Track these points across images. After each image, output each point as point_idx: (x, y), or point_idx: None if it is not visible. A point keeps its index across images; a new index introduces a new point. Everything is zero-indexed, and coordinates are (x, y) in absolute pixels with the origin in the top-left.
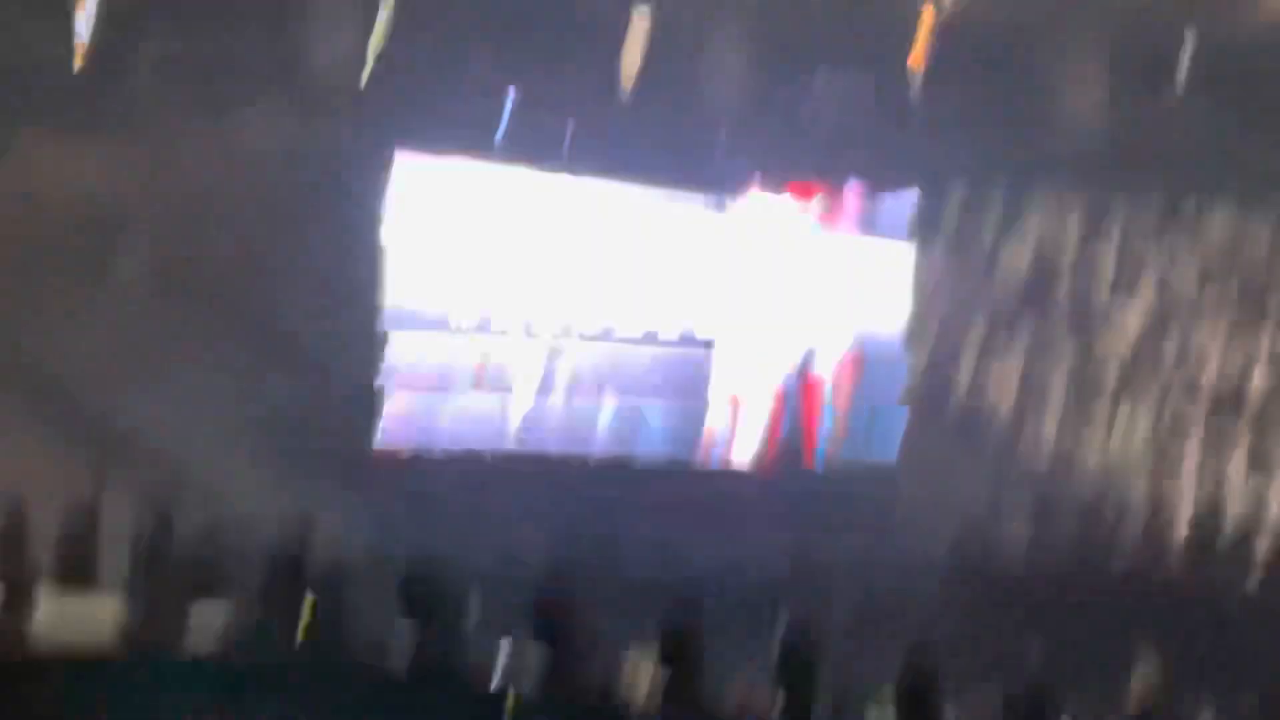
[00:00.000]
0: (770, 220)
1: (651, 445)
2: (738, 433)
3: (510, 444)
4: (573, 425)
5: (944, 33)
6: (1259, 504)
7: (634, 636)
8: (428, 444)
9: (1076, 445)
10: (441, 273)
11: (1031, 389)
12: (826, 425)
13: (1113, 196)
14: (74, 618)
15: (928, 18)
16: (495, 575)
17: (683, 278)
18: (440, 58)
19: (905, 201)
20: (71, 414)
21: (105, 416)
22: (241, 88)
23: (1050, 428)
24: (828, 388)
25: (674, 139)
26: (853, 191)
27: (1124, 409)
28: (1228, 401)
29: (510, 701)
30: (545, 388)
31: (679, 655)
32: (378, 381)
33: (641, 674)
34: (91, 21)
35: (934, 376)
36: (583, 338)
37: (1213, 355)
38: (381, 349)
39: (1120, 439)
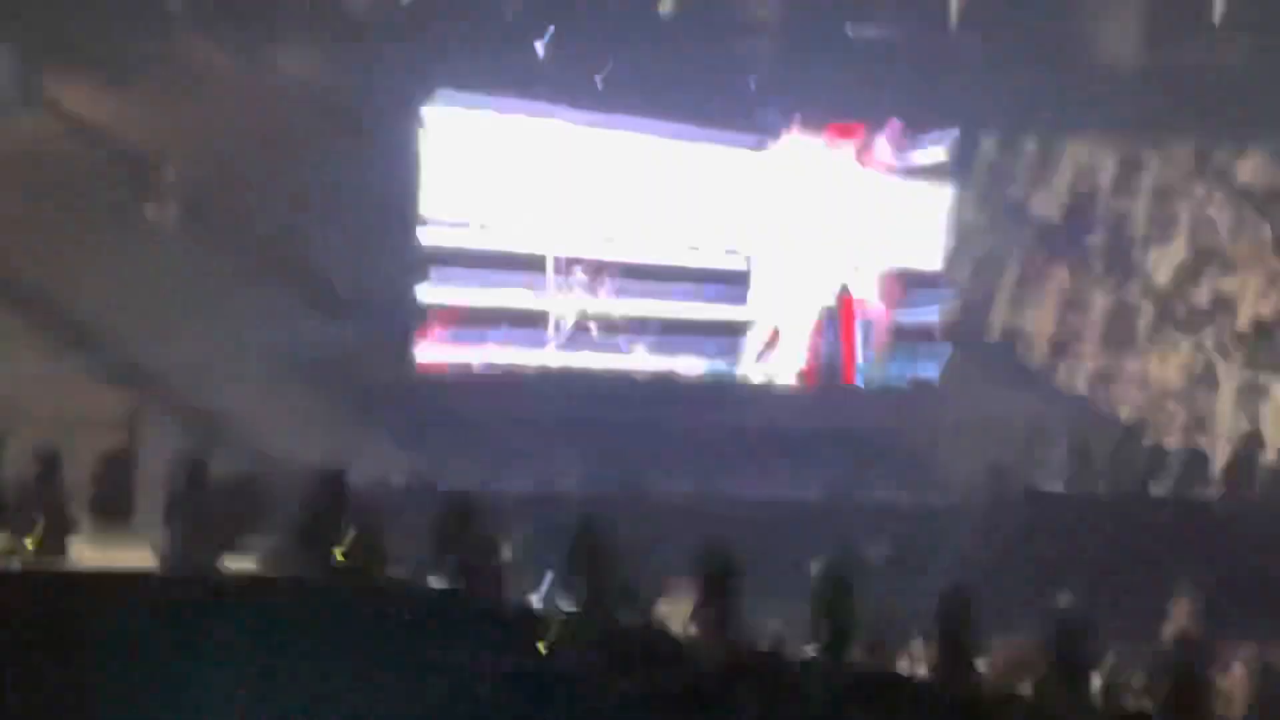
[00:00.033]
0: (809, 160)
1: (692, 366)
2: (778, 352)
3: (551, 364)
4: (613, 347)
5: None
6: None
7: (673, 562)
8: (466, 370)
9: (1113, 379)
10: (478, 210)
11: (1069, 323)
12: (867, 346)
13: (1148, 138)
14: (112, 556)
15: None
16: (535, 498)
17: (723, 211)
18: None
19: (943, 143)
20: (109, 354)
21: (142, 356)
22: (277, 28)
23: (1087, 362)
24: (867, 311)
25: (713, 80)
26: (891, 133)
27: (1161, 343)
28: (1264, 338)
29: (548, 628)
30: (585, 315)
31: (717, 583)
32: (414, 319)
33: (680, 603)
34: None
35: (972, 308)
36: (622, 268)
37: (1248, 294)
38: (418, 287)
39: (1156, 373)
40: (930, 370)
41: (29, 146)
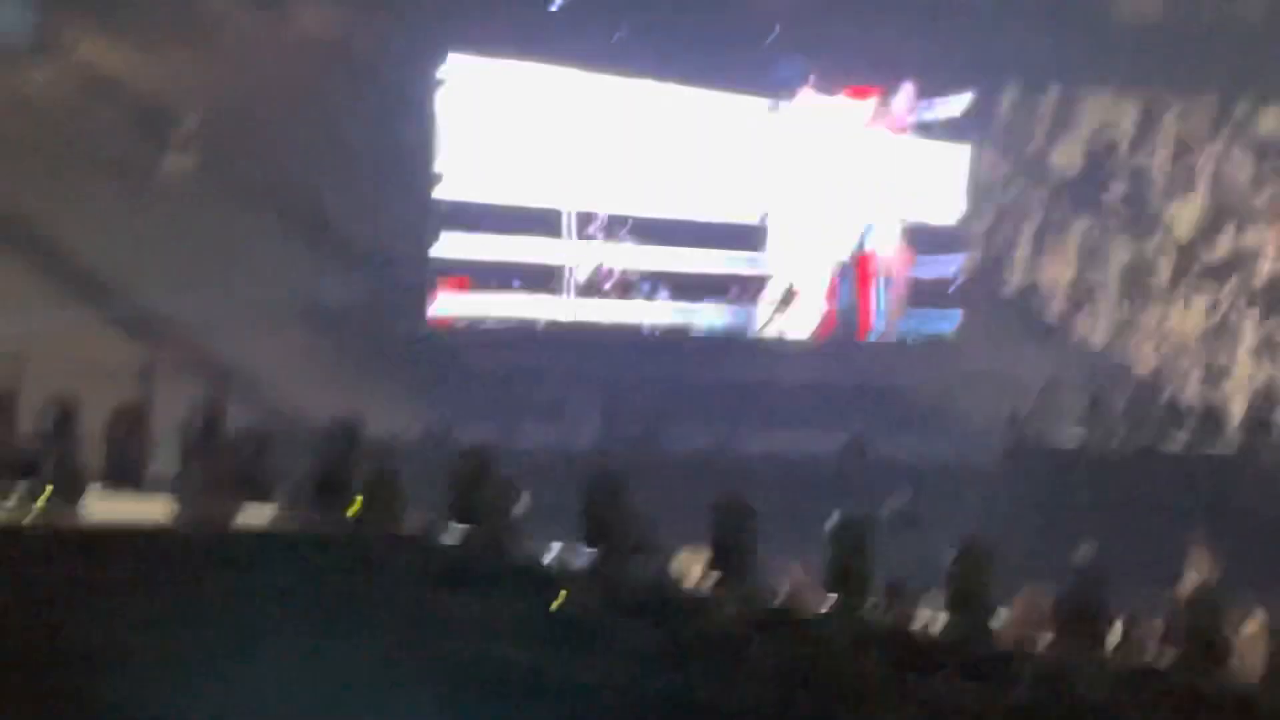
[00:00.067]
0: (827, 116)
1: (708, 320)
2: (795, 306)
3: (566, 319)
4: (627, 301)
5: None
6: None
7: (688, 516)
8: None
9: (1131, 333)
10: (493, 167)
11: (1086, 280)
12: (884, 301)
13: (1168, 91)
14: (125, 510)
15: None
16: (550, 452)
17: (739, 165)
18: None
19: (962, 98)
20: (124, 307)
21: (157, 309)
22: None
23: (1105, 317)
24: (884, 265)
25: (729, 39)
26: (909, 88)
27: (1178, 299)
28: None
29: (562, 583)
30: (600, 270)
31: (732, 537)
32: (430, 273)
33: (693, 561)
34: None
35: (990, 263)
36: (638, 222)
37: (1268, 247)
38: (433, 243)
39: (1175, 328)
40: (947, 325)
41: (46, 97)
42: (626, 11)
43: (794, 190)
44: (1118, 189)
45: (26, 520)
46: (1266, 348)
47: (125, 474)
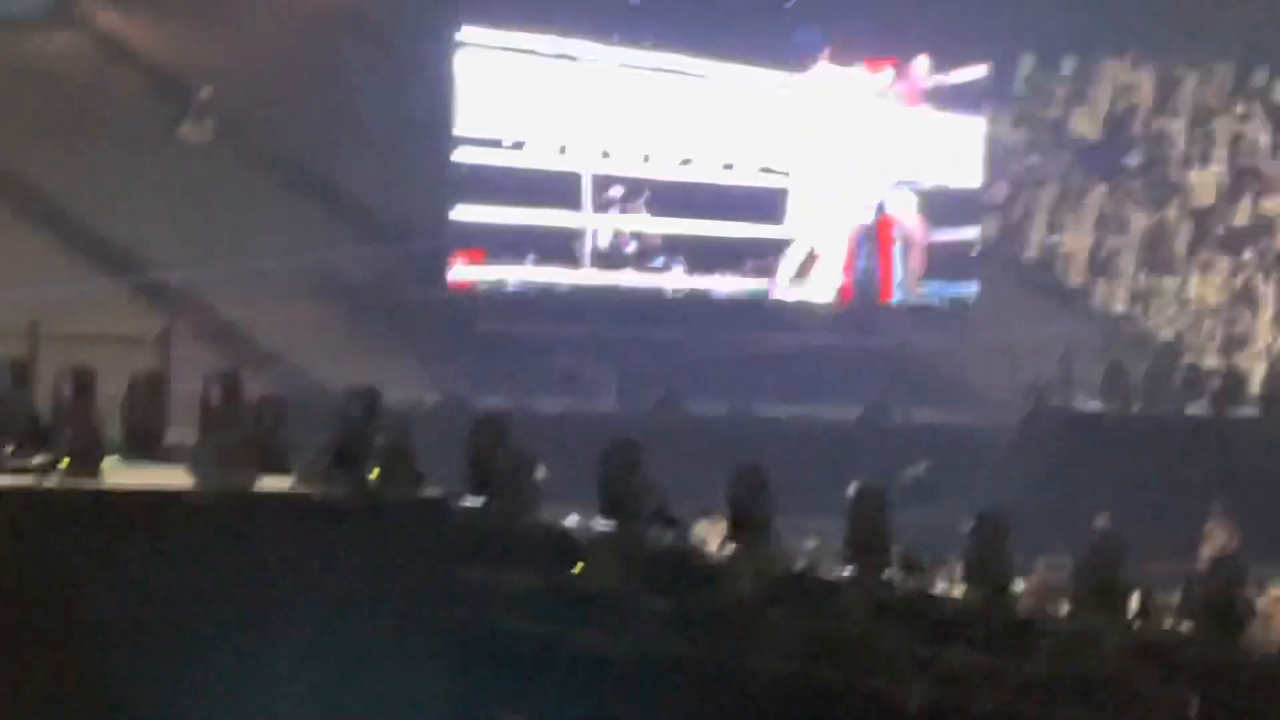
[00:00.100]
0: (847, 81)
1: (728, 285)
2: (815, 271)
3: (585, 284)
4: (648, 267)
5: None
6: None
7: (707, 482)
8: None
9: (1150, 301)
10: (513, 129)
11: (1108, 242)
12: (904, 266)
13: (1188, 58)
14: (145, 476)
15: None
16: (569, 418)
17: (760, 130)
18: None
19: (982, 64)
20: (142, 274)
21: (176, 276)
22: None
23: (1124, 284)
24: (904, 230)
25: (747, 10)
26: (929, 54)
27: (1197, 267)
28: None
29: (581, 549)
30: (620, 235)
31: (752, 503)
32: (449, 239)
33: (712, 531)
34: None
35: (1010, 228)
36: (658, 187)
37: None
38: (453, 207)
39: (1194, 295)
40: (967, 289)
41: (64, 64)
42: None
43: (815, 153)
44: (1136, 157)
45: (45, 489)
46: None
47: (143, 443)
